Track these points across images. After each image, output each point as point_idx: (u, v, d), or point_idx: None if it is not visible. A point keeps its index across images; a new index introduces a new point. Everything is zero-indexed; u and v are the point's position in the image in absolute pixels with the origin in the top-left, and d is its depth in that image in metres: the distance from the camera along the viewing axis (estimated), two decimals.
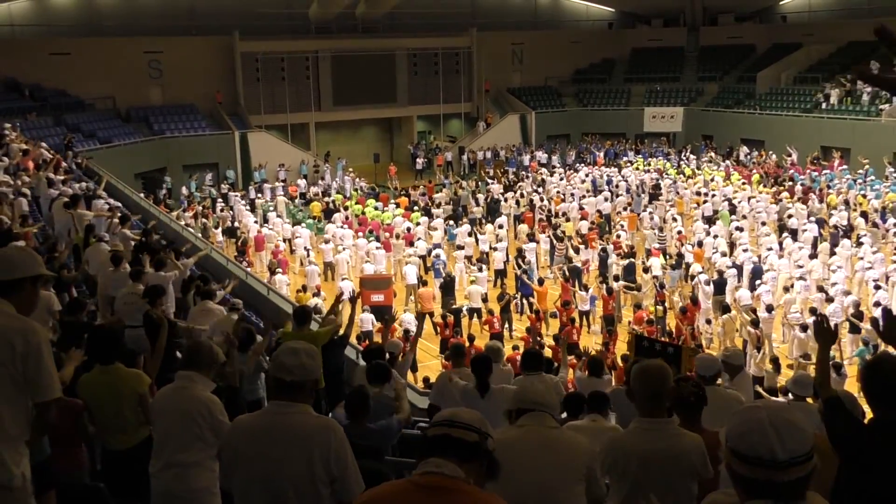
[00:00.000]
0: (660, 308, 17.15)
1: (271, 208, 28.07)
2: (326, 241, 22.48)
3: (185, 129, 33.81)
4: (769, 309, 16.22)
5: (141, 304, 7.93)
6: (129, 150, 30.79)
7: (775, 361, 13.47)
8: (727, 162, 33.97)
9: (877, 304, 15.79)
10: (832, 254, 19.89)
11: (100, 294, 9.36)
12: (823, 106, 35.03)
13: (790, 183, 29.07)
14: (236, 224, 25.56)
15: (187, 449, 4.07)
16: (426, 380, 13.45)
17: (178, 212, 23.41)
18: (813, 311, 15.59)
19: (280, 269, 19.60)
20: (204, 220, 25.64)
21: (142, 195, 23.92)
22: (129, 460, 4.82)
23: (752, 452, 1.94)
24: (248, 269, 18.05)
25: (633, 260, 20.23)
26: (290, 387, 3.16)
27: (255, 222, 25.51)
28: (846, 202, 25.38)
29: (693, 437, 3.51)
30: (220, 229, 24.72)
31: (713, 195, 26.67)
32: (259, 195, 30.07)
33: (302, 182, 32.67)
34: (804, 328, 14.83)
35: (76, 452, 5.03)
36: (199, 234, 21.45)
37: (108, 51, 32.67)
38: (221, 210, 27.26)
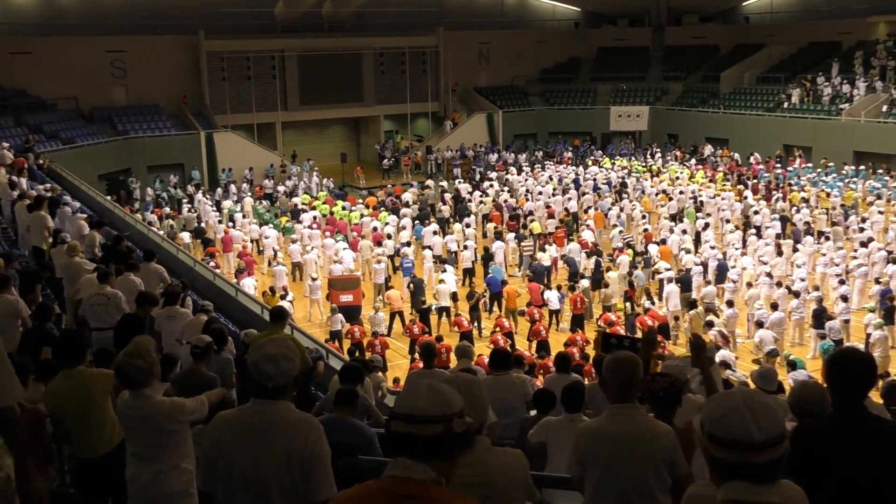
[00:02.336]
0: (627, 305, 17.32)
1: (238, 209, 27.86)
2: (294, 242, 22.38)
3: (149, 130, 33.40)
4: (730, 304, 16.47)
5: (108, 306, 7.83)
6: (93, 151, 30.32)
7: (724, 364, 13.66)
8: (692, 160, 34.40)
9: (844, 298, 16.11)
10: (795, 250, 20.24)
11: (67, 297, 9.23)
12: (785, 105, 35.62)
13: (754, 181, 29.52)
14: (203, 225, 25.33)
15: (161, 453, 4.04)
16: (396, 380, 13.48)
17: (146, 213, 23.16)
18: (774, 306, 15.86)
19: (247, 271, 19.47)
20: (170, 221, 25.39)
21: (107, 197, 23.61)
22: (101, 468, 4.70)
23: (728, 435, 1.99)
24: (216, 271, 17.90)
25: (599, 258, 20.40)
26: (272, 391, 3.16)
27: (221, 223, 25.31)
28: (807, 200, 25.83)
29: (663, 424, 3.58)
30: (186, 231, 24.49)
31: (679, 193, 26.99)
32: (226, 196, 29.82)
33: (268, 182, 32.46)
34: (760, 324, 15.11)
35: (39, 462, 4.90)
36: (165, 236, 21.27)
37: (69, 50, 32.15)
38: (188, 211, 27.00)
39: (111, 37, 33.55)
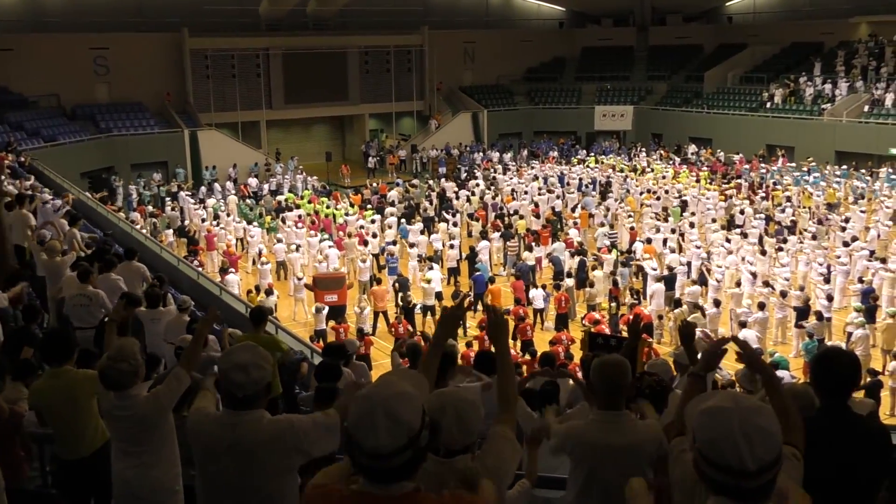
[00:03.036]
0: (612, 304, 17.36)
1: (222, 207, 27.73)
2: (279, 241, 22.31)
3: (132, 128, 33.18)
4: (716, 303, 16.55)
5: (90, 306, 7.77)
6: (75, 149, 30.10)
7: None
8: (676, 159, 34.55)
9: (829, 297, 16.22)
10: (779, 249, 20.37)
11: (49, 296, 9.15)
12: (768, 105, 35.85)
13: (738, 180, 29.69)
14: (186, 223, 25.20)
15: (147, 449, 4.03)
16: None
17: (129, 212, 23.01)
18: (761, 305, 15.95)
19: (232, 269, 19.39)
20: (153, 219, 25.24)
21: (88, 195, 23.43)
22: (84, 469, 4.66)
23: (721, 461, 1.92)
24: (200, 269, 17.80)
25: (584, 257, 20.44)
26: (242, 400, 3.13)
27: (205, 221, 25.18)
28: (791, 199, 26.01)
29: (648, 427, 3.57)
30: (170, 229, 24.35)
31: (664, 192, 27.11)
32: (209, 194, 29.67)
33: (253, 181, 32.33)
34: (743, 324, 15.20)
35: (14, 462, 4.85)
36: (149, 234, 21.14)
37: (52, 47, 31.86)
38: (171, 209, 26.85)
39: (94, 34, 33.29)
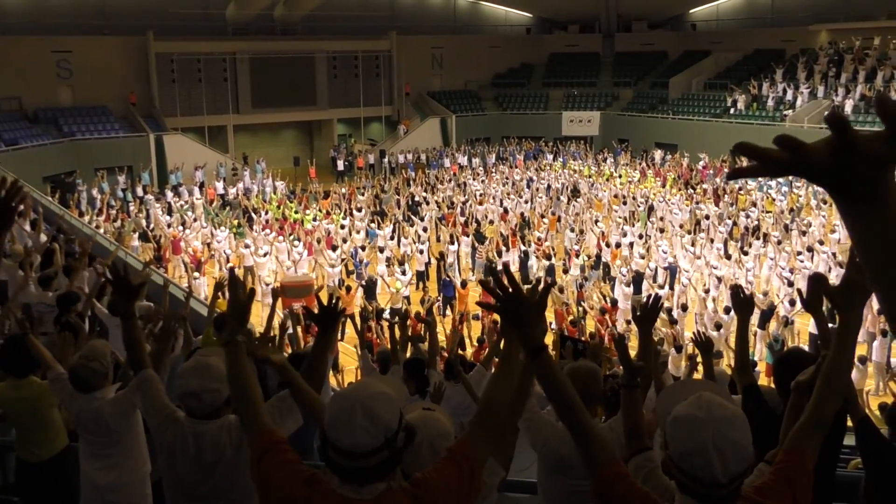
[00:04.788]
0: (580, 308, 17.48)
1: (188, 211, 27.44)
2: (246, 246, 22.12)
3: (96, 132, 32.75)
4: (683, 308, 16.72)
5: (53, 314, 7.66)
6: (37, 153, 29.63)
7: (692, 359, 13.87)
8: (642, 164, 34.87)
9: (792, 302, 16.46)
10: (744, 253, 20.64)
11: (11, 300, 8.98)
12: (732, 111, 36.36)
13: (703, 185, 30.05)
14: (151, 227, 24.90)
15: (114, 450, 4.00)
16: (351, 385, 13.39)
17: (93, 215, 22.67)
18: (727, 309, 16.14)
19: (197, 274, 19.20)
20: (118, 223, 24.89)
21: (50, 199, 23.06)
22: (48, 471, 4.64)
23: (692, 472, 1.94)
24: (165, 275, 17.60)
25: (552, 261, 20.56)
26: (201, 415, 3.13)
27: (171, 226, 24.91)
28: (755, 203, 26.38)
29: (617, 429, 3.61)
30: (135, 233, 24.04)
31: (632, 196, 27.36)
32: (176, 198, 29.35)
33: (220, 184, 32.06)
34: (718, 327, 15.34)
35: None
36: (113, 239, 20.85)
37: (13, 50, 31.37)
38: (136, 214, 26.51)
39: (57, 37, 32.85)
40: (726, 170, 32.23)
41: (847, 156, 1.14)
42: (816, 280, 3.07)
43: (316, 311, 3.21)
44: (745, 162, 1.22)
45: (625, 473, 2.14)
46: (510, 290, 2.26)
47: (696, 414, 1.97)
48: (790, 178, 29.17)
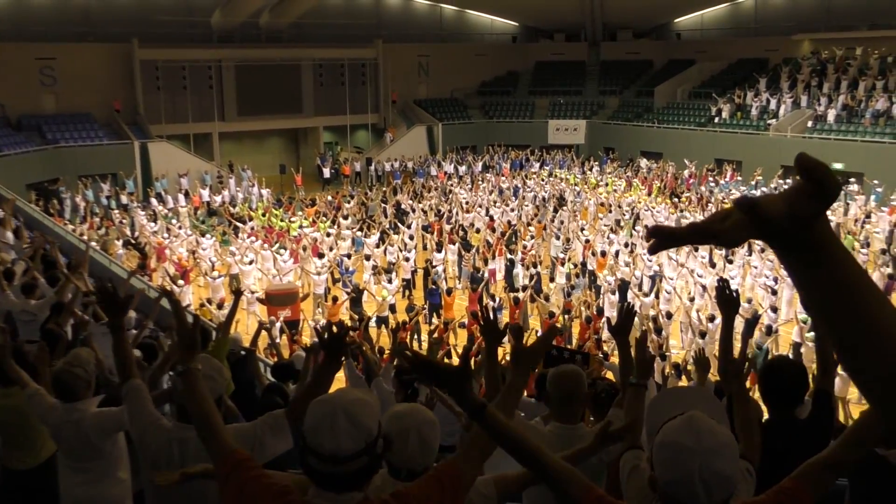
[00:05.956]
0: (566, 317, 17.49)
1: (173, 219, 27.31)
2: (232, 253, 22.03)
3: (80, 139, 32.54)
4: (668, 316, 16.78)
5: (35, 322, 7.59)
6: (21, 160, 29.41)
7: (676, 367, 13.94)
8: (628, 173, 35.03)
9: (774, 308, 16.57)
10: (728, 262, 20.75)
11: None
12: (716, 120, 36.60)
13: (687, 194, 30.22)
14: (136, 235, 24.76)
15: (94, 463, 3.96)
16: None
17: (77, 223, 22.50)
18: (711, 318, 16.21)
19: (183, 281, 19.10)
20: (102, 231, 24.74)
21: (33, 206, 22.89)
22: (34, 479, 4.59)
23: (676, 499, 1.95)
24: (150, 283, 17.49)
25: (539, 269, 20.60)
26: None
27: (156, 233, 24.78)
28: None
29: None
30: (119, 241, 23.89)
31: (617, 205, 27.46)
32: (160, 205, 29.21)
33: (205, 192, 31.92)
34: (703, 334, 15.41)
35: None
36: (98, 247, 20.70)
37: None
38: (120, 221, 26.36)
39: (40, 43, 32.63)
40: (711, 179, 32.46)
41: (765, 230, 1.11)
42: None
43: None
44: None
45: (601, 496, 2.15)
46: (421, 365, 2.33)
47: (685, 443, 1.95)
48: (772, 186, 29.41)
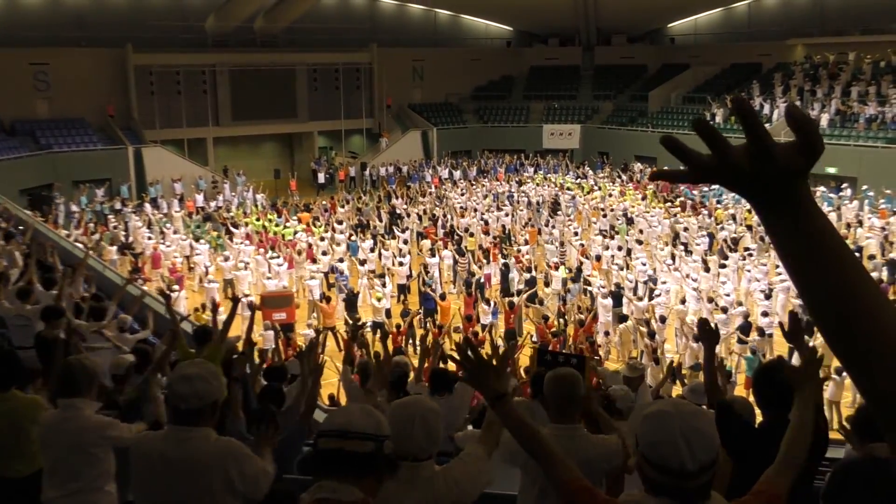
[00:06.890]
0: (561, 321, 17.52)
1: (167, 224, 27.25)
2: (226, 258, 22.01)
3: (74, 144, 32.50)
4: (662, 320, 16.78)
5: (30, 327, 7.58)
6: (14, 166, 29.36)
7: (671, 371, 13.93)
8: (623, 177, 35.07)
9: (764, 314, 16.59)
10: (721, 266, 20.78)
11: None
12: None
13: (681, 198, 30.26)
14: (130, 240, 24.71)
15: (81, 475, 3.93)
16: (331, 397, 13.33)
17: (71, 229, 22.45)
18: (704, 321, 16.21)
19: (177, 287, 19.05)
20: (96, 236, 24.67)
21: (28, 212, 22.84)
22: (26, 488, 4.56)
23: (662, 462, 1.99)
24: (145, 288, 17.44)
25: (534, 274, 20.60)
26: (185, 413, 3.08)
27: (150, 238, 24.74)
28: (733, 217, 26.60)
29: (604, 441, 3.60)
30: (113, 246, 23.83)
31: (611, 210, 27.51)
32: (155, 210, 29.16)
33: (199, 197, 31.87)
34: (697, 339, 15.41)
35: None
36: (92, 252, 20.63)
37: None
38: (114, 227, 26.30)
39: (34, 48, 32.60)
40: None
41: (763, 163, 1.17)
42: (794, 317, 3.37)
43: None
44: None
45: (586, 486, 2.29)
46: (475, 360, 2.53)
47: (665, 409, 2.05)
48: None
